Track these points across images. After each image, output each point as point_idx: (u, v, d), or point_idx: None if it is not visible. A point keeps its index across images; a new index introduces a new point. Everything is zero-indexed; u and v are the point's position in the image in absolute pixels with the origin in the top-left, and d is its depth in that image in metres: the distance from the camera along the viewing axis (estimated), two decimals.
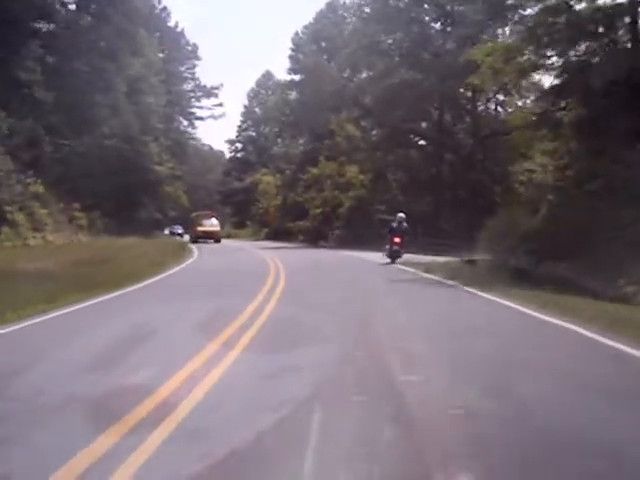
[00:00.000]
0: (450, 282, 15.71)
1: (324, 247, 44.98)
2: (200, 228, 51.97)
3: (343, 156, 50.96)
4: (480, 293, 13.49)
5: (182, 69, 75.38)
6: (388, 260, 23.55)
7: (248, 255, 32.71)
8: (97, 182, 47.06)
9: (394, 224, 24.77)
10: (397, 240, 23.77)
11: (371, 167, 46.07)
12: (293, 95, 67.18)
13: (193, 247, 41.74)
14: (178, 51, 73.78)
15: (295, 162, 64.34)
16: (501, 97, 43.85)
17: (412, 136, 45.28)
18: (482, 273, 16.89)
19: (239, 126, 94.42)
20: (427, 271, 18.55)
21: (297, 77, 64.75)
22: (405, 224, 24.84)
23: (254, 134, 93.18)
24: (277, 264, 22.60)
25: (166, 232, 69.00)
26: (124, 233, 48.84)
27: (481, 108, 43.79)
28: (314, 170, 52.89)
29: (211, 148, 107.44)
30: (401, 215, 25.25)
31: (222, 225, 61.01)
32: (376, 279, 17.10)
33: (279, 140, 77.02)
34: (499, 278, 15.10)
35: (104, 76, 46.74)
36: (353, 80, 47.94)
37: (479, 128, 41.21)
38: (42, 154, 39.23)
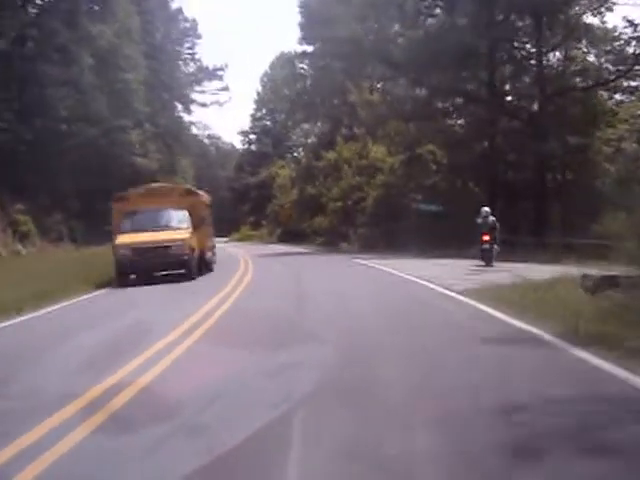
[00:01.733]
0: None
1: (344, 252, 34.37)
2: (128, 240, 18.80)
3: (366, 134, 40.43)
4: None
5: (179, 48, 65.00)
6: (482, 263, 20.55)
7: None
8: (56, 178, 37.40)
9: (479, 220, 21.95)
10: (486, 238, 21.00)
11: (403, 144, 35.38)
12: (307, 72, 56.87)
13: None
14: (173, 26, 63.48)
15: (310, 148, 53.93)
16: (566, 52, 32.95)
17: (457, 100, 34.10)
18: None
19: (252, 115, 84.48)
20: (578, 339, 7.18)
21: (310, 48, 54.28)
22: (492, 218, 21.88)
23: (269, 123, 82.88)
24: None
25: None
26: (103, 241, 39.24)
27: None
28: (330, 154, 42.41)
29: (233, 146, 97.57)
30: (485, 209, 22.25)
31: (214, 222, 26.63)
32: None
33: (290, 123, 66.57)
34: None
35: (59, 44, 36.83)
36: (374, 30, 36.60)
37: (547, 83, 30.22)
38: None
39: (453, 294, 12.40)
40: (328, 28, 37.73)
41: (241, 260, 28.10)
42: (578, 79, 31.29)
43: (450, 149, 33.20)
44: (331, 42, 40.15)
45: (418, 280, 15.40)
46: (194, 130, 76.22)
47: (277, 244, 52.02)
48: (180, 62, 65.61)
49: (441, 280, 14.43)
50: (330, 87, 47.45)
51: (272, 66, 79.51)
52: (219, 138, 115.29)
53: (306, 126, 66.78)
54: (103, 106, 40.69)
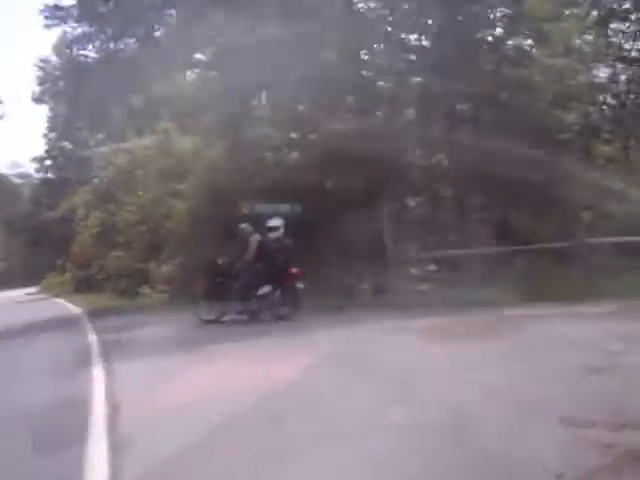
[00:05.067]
0: None
1: (144, 310, 20.18)
2: None
3: (171, 122, 26.78)
4: None
5: None
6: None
7: None
8: None
9: (256, 236, 13.53)
10: (295, 270, 12.91)
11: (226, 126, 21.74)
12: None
13: None
14: None
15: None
16: None
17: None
18: None
19: (45, 135, 68.05)
20: None
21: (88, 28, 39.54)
22: (288, 239, 13.05)
23: (67, 143, 66.69)
24: None
25: None
26: None
27: None
28: (120, 158, 28.48)
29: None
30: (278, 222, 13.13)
31: None
32: None
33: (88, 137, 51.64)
34: None
35: None
36: None
37: None
38: None
39: None
40: None
41: None
42: None
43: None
44: None
45: None
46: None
47: (67, 297, 37.54)
48: None
49: None
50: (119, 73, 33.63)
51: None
52: (30, 175, 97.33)
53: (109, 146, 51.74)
54: None
